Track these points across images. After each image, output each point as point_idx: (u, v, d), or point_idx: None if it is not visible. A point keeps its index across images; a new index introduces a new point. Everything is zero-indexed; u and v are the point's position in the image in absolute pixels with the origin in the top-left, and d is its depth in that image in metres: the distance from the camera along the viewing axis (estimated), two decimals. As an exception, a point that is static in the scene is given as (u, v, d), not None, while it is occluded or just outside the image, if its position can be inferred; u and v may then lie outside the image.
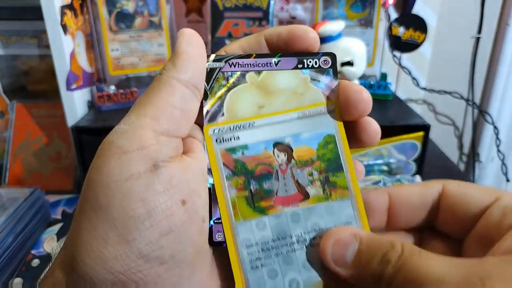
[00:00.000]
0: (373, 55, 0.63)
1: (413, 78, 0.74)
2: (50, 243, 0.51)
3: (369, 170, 0.56)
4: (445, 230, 0.20)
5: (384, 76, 0.65)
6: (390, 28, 0.70)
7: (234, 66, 0.22)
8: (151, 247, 0.16)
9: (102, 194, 0.16)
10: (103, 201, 0.16)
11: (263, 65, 0.22)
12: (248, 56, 0.22)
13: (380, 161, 0.56)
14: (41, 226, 0.53)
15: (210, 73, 0.21)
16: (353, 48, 0.54)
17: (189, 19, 0.75)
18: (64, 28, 0.53)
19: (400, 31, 0.72)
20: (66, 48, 0.53)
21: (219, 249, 0.19)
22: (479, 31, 0.76)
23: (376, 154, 0.55)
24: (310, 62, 0.22)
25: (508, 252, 0.16)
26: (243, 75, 0.22)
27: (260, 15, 0.62)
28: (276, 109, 0.21)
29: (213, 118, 0.21)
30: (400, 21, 0.71)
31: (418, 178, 0.54)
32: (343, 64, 0.54)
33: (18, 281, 0.45)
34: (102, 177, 0.16)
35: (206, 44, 0.81)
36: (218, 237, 0.19)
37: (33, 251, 0.49)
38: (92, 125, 0.55)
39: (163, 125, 0.17)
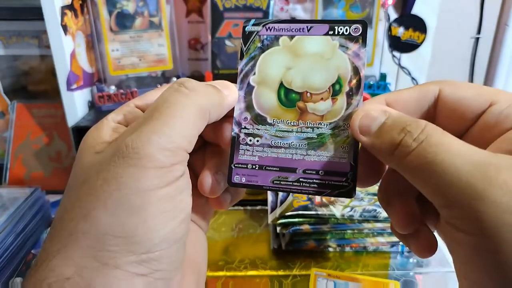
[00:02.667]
0: (373, 55, 0.63)
1: (413, 78, 0.74)
2: (50, 243, 0.51)
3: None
4: (444, 128, 0.20)
5: (383, 76, 0.65)
6: (389, 29, 0.70)
7: (270, 30, 0.23)
8: None
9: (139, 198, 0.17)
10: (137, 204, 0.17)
11: (297, 30, 0.23)
12: (284, 21, 0.23)
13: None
14: (42, 226, 0.54)
15: (248, 35, 0.23)
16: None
17: (189, 19, 0.75)
18: (65, 28, 0.53)
19: (400, 31, 0.72)
20: (66, 48, 0.53)
21: None
22: (479, 32, 0.77)
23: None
24: (341, 29, 0.23)
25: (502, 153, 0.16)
26: (277, 38, 0.23)
27: (260, 15, 0.62)
28: (303, 71, 0.23)
29: (245, 76, 0.23)
30: (399, 21, 0.72)
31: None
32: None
33: (18, 280, 0.45)
34: (139, 185, 0.17)
35: (206, 44, 0.81)
36: (235, 179, 0.23)
37: (33, 251, 0.49)
38: (92, 125, 0.55)
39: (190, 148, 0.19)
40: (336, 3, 0.62)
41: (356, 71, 0.22)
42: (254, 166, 0.23)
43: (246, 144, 0.23)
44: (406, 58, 0.75)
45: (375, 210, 0.45)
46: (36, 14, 0.52)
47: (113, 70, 0.61)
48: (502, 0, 0.75)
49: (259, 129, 0.23)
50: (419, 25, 0.71)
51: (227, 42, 0.64)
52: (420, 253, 0.21)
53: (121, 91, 0.60)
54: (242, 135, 0.23)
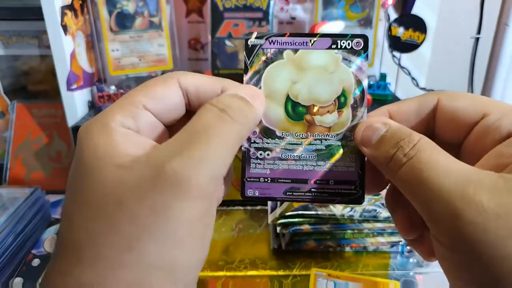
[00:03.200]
0: (373, 56, 0.63)
1: (413, 78, 0.74)
2: (50, 243, 0.51)
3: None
4: (442, 138, 0.21)
5: (383, 76, 0.65)
6: (389, 29, 0.70)
7: (274, 43, 0.24)
8: None
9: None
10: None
11: (300, 44, 0.24)
12: (285, 35, 0.24)
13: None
14: (42, 226, 0.54)
15: (251, 49, 0.24)
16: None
17: (189, 19, 0.75)
18: (65, 28, 0.53)
19: (400, 31, 0.72)
20: (66, 48, 0.53)
21: None
22: (479, 32, 0.77)
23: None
24: (343, 43, 0.24)
25: (489, 168, 0.17)
26: (281, 52, 0.24)
27: (260, 15, 0.62)
28: (309, 84, 0.24)
29: None
30: (399, 21, 0.72)
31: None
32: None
33: (18, 280, 0.45)
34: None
35: (206, 44, 0.81)
36: (249, 193, 0.23)
37: (33, 251, 0.49)
38: (92, 125, 0.55)
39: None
40: (336, 3, 0.62)
41: (359, 84, 0.23)
42: (266, 179, 0.24)
43: (257, 158, 0.24)
44: (406, 58, 0.75)
45: (375, 210, 0.45)
46: (36, 14, 0.52)
47: (113, 70, 0.61)
48: (502, 0, 0.75)
49: (268, 143, 0.24)
50: (419, 25, 0.71)
51: (227, 42, 0.64)
52: (425, 257, 0.22)
53: (121, 91, 0.60)
54: (252, 149, 0.24)
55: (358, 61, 0.23)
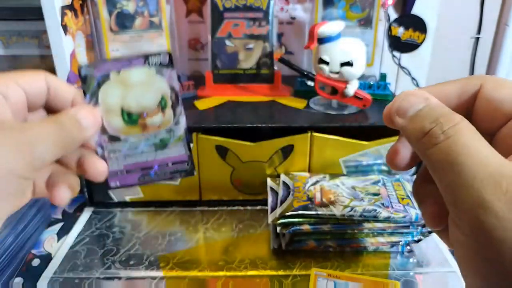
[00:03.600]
0: (373, 56, 0.63)
1: (413, 78, 0.74)
2: (50, 243, 0.51)
3: (368, 170, 0.56)
4: (478, 124, 0.20)
5: (383, 76, 0.65)
6: (389, 29, 0.70)
7: (100, 70, 0.30)
8: None
9: None
10: None
11: (121, 65, 0.30)
12: (110, 60, 0.32)
13: (379, 161, 0.56)
14: (42, 226, 0.54)
15: (84, 77, 0.30)
16: (352, 49, 0.54)
17: (189, 19, 0.75)
18: (65, 28, 0.53)
19: (400, 31, 0.72)
20: (66, 48, 0.53)
21: None
22: (479, 32, 0.77)
23: (376, 154, 0.55)
24: (153, 59, 0.31)
25: None
26: (107, 75, 0.30)
27: (260, 15, 0.62)
28: (135, 97, 0.31)
29: None
30: (399, 21, 0.72)
31: (417, 178, 0.54)
32: (343, 64, 0.54)
33: (18, 280, 0.45)
34: None
35: (206, 44, 0.81)
36: (112, 185, 0.31)
37: (33, 251, 0.49)
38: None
39: None
40: (336, 3, 0.62)
41: (173, 89, 0.31)
42: (122, 172, 0.32)
43: (111, 158, 0.31)
44: (406, 58, 0.75)
45: (375, 210, 0.45)
46: (36, 14, 0.52)
47: (113, 70, 0.61)
48: (502, 0, 0.75)
49: (116, 145, 0.31)
50: (419, 25, 0.71)
51: (227, 42, 0.64)
52: (451, 246, 0.22)
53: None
54: (106, 153, 0.31)
55: (167, 72, 0.31)
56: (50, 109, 0.25)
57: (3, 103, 0.22)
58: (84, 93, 0.29)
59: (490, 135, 0.20)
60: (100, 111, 0.30)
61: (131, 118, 0.32)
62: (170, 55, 0.31)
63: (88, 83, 0.30)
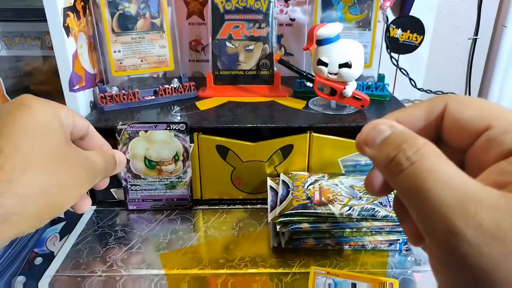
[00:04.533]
0: (371, 57, 0.64)
1: (411, 79, 0.75)
2: (53, 242, 0.52)
3: (366, 169, 0.57)
4: (449, 143, 0.20)
5: (381, 77, 0.66)
6: (388, 30, 0.71)
7: (131, 127, 0.46)
8: None
9: None
10: None
11: (149, 127, 0.45)
12: (139, 122, 0.46)
13: (377, 161, 0.56)
14: (44, 225, 0.54)
15: (120, 130, 0.46)
16: (351, 50, 0.55)
17: (190, 21, 0.75)
18: (67, 29, 0.54)
19: (398, 33, 0.73)
20: (69, 49, 0.54)
21: None
22: (476, 33, 0.77)
23: (374, 154, 0.56)
24: (174, 126, 0.47)
25: (490, 184, 0.17)
26: (137, 132, 0.46)
27: (260, 17, 0.63)
28: (156, 150, 0.48)
29: (124, 153, 0.44)
30: (397, 23, 0.72)
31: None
32: (341, 65, 0.55)
33: (20, 279, 0.45)
34: None
35: (207, 45, 0.82)
36: (130, 207, 0.51)
37: (36, 250, 0.50)
38: (94, 125, 0.54)
39: None
40: (335, 5, 0.63)
41: (185, 148, 0.48)
42: (139, 200, 0.51)
43: (132, 190, 0.50)
44: (404, 59, 0.75)
45: (374, 209, 0.45)
46: (39, 15, 0.53)
47: (115, 71, 0.61)
48: (499, 1, 0.76)
49: (137, 181, 0.49)
50: (417, 26, 0.72)
51: (228, 44, 0.65)
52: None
53: (123, 92, 0.61)
54: (129, 185, 0.50)
55: (183, 136, 0.48)
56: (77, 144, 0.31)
57: (68, 128, 0.27)
58: (117, 142, 0.44)
59: (462, 152, 0.20)
60: (129, 156, 0.45)
61: (151, 164, 0.48)
62: (186, 125, 0.46)
63: (122, 135, 0.45)
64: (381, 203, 0.47)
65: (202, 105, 0.61)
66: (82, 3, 0.58)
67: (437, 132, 0.21)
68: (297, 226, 0.45)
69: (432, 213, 0.16)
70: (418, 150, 0.17)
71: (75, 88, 0.56)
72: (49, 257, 0.48)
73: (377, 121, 0.21)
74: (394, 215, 0.45)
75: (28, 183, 0.21)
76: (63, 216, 0.57)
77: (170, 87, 0.64)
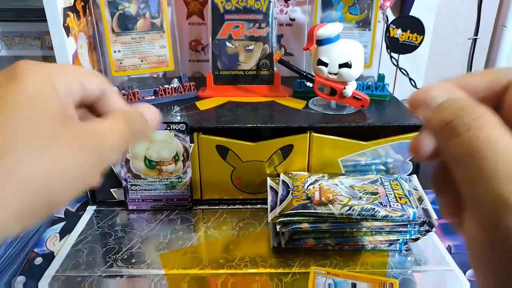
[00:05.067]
0: (371, 57, 0.64)
1: (411, 79, 0.75)
2: (53, 242, 0.52)
3: (366, 169, 0.57)
4: (508, 119, 0.19)
5: (381, 77, 0.66)
6: (388, 30, 0.71)
7: None
8: None
9: None
10: None
11: None
12: None
13: (377, 161, 0.56)
14: (44, 225, 0.54)
15: None
16: (350, 50, 0.55)
17: (190, 21, 0.76)
18: (67, 29, 0.54)
19: (398, 33, 0.73)
20: (69, 49, 0.54)
21: None
22: (476, 33, 0.77)
23: (374, 153, 0.56)
24: (174, 126, 0.47)
25: None
26: None
27: (260, 17, 0.63)
28: (157, 150, 0.48)
29: (123, 154, 0.42)
30: (397, 23, 0.72)
31: (415, 177, 0.55)
32: (341, 65, 0.55)
33: (21, 279, 0.45)
34: None
35: (207, 45, 0.82)
36: (130, 207, 0.52)
37: (36, 250, 0.50)
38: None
39: None
40: (335, 5, 0.63)
41: (185, 149, 0.48)
42: (139, 200, 0.50)
43: (132, 190, 0.50)
44: (404, 59, 0.75)
45: (374, 209, 0.45)
46: (39, 15, 0.53)
47: (115, 71, 0.61)
48: (499, 1, 0.76)
49: (138, 181, 0.49)
50: (417, 26, 0.72)
51: (228, 44, 0.65)
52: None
53: (123, 92, 0.61)
54: (129, 185, 0.49)
55: (183, 136, 0.47)
56: (91, 110, 0.25)
57: (69, 99, 0.21)
58: None
59: None
60: (129, 156, 0.45)
61: (151, 164, 0.48)
62: (186, 125, 0.46)
63: None
64: (381, 203, 0.47)
65: (202, 105, 0.61)
66: (82, 3, 0.58)
67: (497, 104, 0.20)
68: (297, 226, 0.45)
69: (483, 181, 0.15)
70: (477, 117, 0.17)
71: (75, 88, 0.57)
72: (49, 257, 0.48)
73: (434, 86, 0.20)
74: (394, 215, 0.45)
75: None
76: (63, 216, 0.57)
77: (170, 87, 0.64)
